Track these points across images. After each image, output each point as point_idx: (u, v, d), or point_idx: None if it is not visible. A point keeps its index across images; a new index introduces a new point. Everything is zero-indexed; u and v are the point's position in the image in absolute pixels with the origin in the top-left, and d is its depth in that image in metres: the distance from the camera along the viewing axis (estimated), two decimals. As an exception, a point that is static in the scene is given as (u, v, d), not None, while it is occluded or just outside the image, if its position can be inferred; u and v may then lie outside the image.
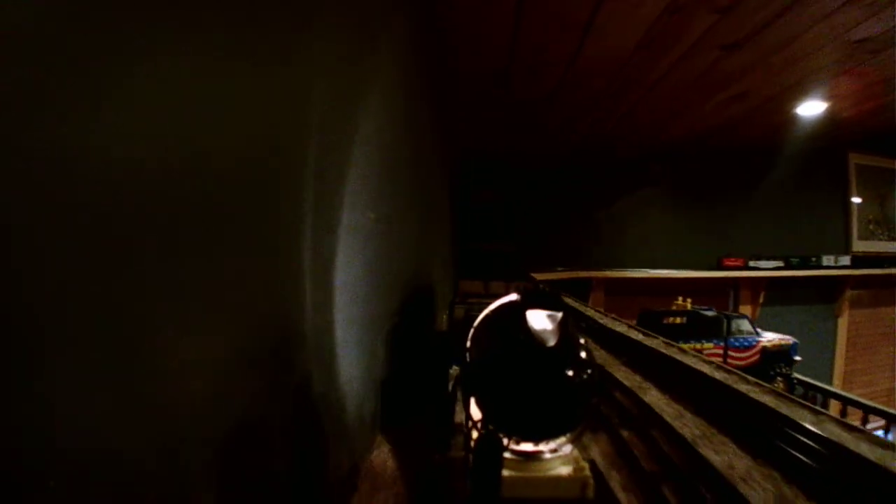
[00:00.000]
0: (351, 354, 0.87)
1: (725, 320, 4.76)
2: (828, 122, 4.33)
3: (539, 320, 0.85)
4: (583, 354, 0.85)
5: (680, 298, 5.05)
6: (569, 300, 1.79)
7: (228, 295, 0.51)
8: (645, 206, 6.39)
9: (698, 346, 4.68)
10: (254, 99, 0.56)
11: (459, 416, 0.93)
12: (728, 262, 5.84)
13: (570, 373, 0.82)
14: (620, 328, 1.80)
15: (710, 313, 4.83)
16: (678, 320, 4.86)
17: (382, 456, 0.89)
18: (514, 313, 0.87)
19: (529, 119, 3.90)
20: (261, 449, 0.59)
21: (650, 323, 4.58)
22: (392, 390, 1.10)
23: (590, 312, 2.27)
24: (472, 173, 5.89)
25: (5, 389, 0.28)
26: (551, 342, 0.83)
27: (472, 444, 0.80)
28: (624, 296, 5.54)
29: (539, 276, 4.02)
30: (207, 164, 0.48)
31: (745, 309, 5.59)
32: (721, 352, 4.78)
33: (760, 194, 6.00)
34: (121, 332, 0.37)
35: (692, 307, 4.88)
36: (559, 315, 0.86)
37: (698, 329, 4.78)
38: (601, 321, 1.97)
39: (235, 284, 0.52)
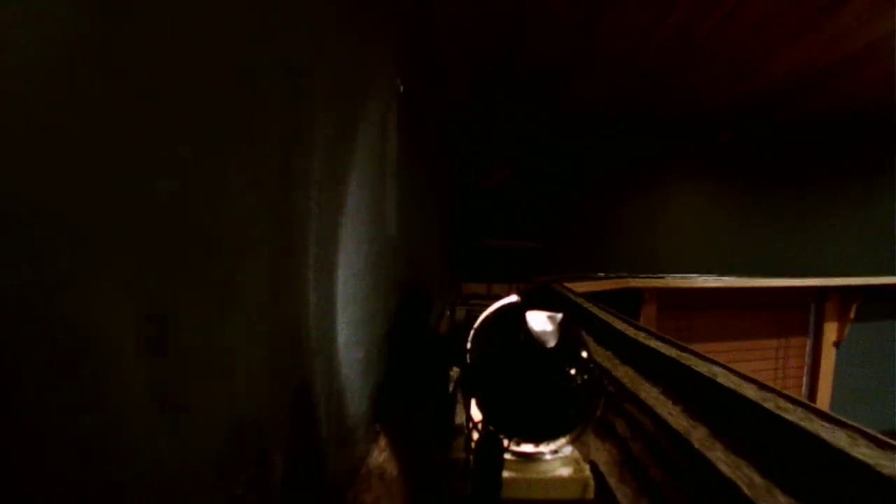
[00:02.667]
0: (350, 355, 0.87)
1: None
2: None
3: (539, 322, 0.85)
4: (583, 355, 0.86)
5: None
6: (617, 323, 1.44)
7: (227, 296, 0.51)
8: (700, 194, 4.87)
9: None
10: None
11: (460, 418, 0.93)
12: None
13: (571, 374, 0.82)
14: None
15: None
16: None
17: (382, 456, 0.89)
18: (515, 315, 0.87)
19: (569, 53, 2.55)
20: (261, 449, 0.59)
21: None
22: (391, 391, 1.10)
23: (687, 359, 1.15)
24: (478, 143, 4.46)
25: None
26: (551, 343, 0.83)
27: (473, 445, 0.80)
28: (679, 310, 4.17)
29: (576, 287, 2.81)
30: (200, 163, 0.47)
31: (830, 326, 4.33)
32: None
33: (863, 186, 4.43)
34: (121, 332, 0.37)
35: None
36: (559, 316, 0.86)
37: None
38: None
39: (234, 287, 0.52)
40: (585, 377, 0.83)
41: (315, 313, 0.69)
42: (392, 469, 0.84)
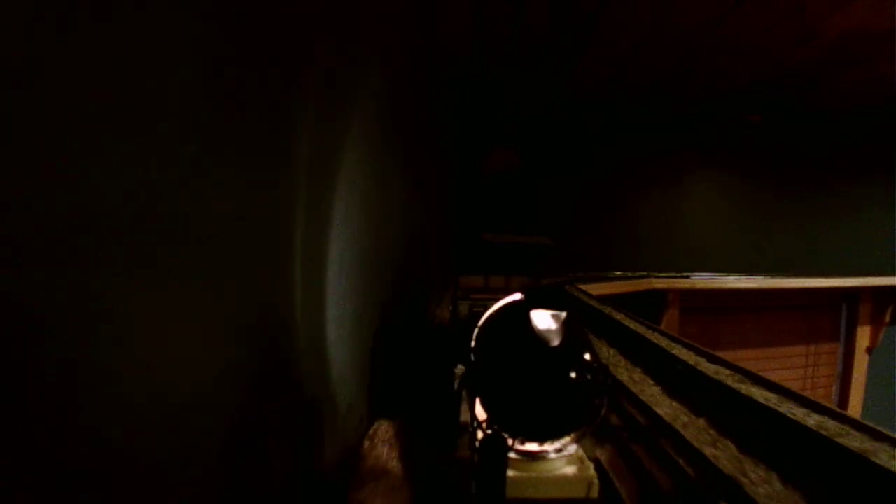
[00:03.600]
0: (344, 351, 0.88)
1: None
2: None
3: (543, 320, 0.85)
4: (587, 354, 0.85)
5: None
6: (644, 331, 1.33)
7: (219, 293, 0.52)
8: (723, 187, 4.48)
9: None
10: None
11: (465, 416, 0.93)
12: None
13: (575, 373, 0.82)
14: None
15: None
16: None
17: (382, 455, 0.90)
18: (519, 313, 0.87)
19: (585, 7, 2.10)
20: (256, 446, 0.60)
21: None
22: (387, 386, 1.10)
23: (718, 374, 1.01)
24: (479, 124, 3.92)
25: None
26: (555, 342, 0.83)
27: (477, 444, 0.80)
28: (702, 314, 3.75)
29: (592, 289, 2.53)
30: (200, 166, 0.49)
31: (864, 330, 3.95)
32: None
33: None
34: (118, 330, 0.39)
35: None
36: (563, 314, 0.86)
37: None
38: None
39: (226, 283, 0.53)
40: (590, 375, 0.83)
41: (303, 309, 0.70)
42: (393, 468, 0.85)
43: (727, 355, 1.13)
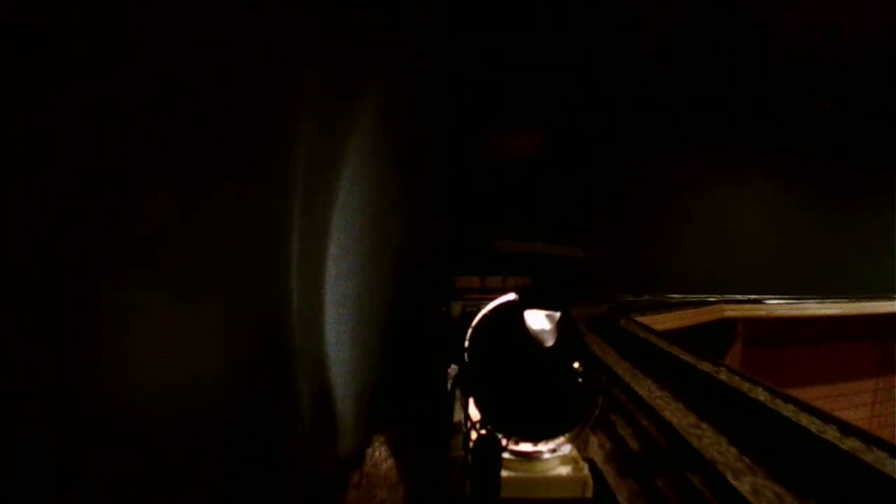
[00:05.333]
0: (344, 354, 0.87)
1: None
2: None
3: (537, 320, 0.84)
4: (582, 354, 0.85)
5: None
6: (729, 378, 1.11)
7: (222, 297, 0.51)
8: (791, 192, 3.64)
9: None
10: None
11: (458, 416, 0.93)
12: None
13: (569, 373, 0.82)
14: None
15: None
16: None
17: (380, 453, 0.89)
18: (512, 313, 0.87)
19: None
20: (260, 445, 0.59)
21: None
22: (387, 389, 1.10)
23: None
24: (491, 97, 2.85)
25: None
26: (549, 342, 0.82)
27: (471, 444, 0.79)
28: (762, 346, 3.13)
29: (650, 320, 2.10)
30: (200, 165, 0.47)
31: None
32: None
33: None
34: (125, 332, 0.38)
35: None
36: (558, 314, 0.85)
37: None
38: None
39: (228, 287, 0.52)
40: (584, 376, 0.83)
41: (299, 311, 0.69)
42: (388, 468, 0.84)
43: (796, 392, 1.07)
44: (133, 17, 0.38)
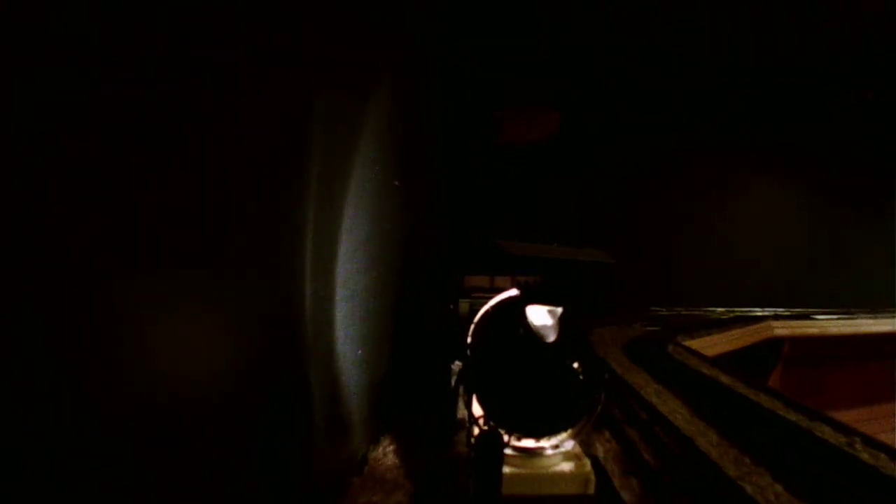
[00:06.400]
0: (352, 352, 0.88)
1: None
2: None
3: (539, 316, 0.85)
4: (584, 350, 0.85)
5: None
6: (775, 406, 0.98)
7: (233, 294, 0.52)
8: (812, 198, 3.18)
9: None
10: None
11: (462, 412, 0.93)
12: None
13: (571, 369, 0.82)
14: None
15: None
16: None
17: (385, 451, 0.90)
18: (514, 309, 0.87)
19: None
20: (267, 443, 0.60)
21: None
22: (394, 386, 1.10)
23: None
24: (498, 67, 2.51)
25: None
26: (551, 338, 0.83)
27: (474, 440, 0.80)
28: (801, 366, 2.75)
29: (700, 345, 1.85)
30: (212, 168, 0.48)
31: None
32: None
33: None
34: (132, 334, 0.38)
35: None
36: (559, 310, 0.86)
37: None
38: None
39: (239, 284, 0.53)
40: (586, 372, 0.83)
41: (311, 309, 0.70)
42: (393, 464, 0.85)
43: (838, 415, 0.91)
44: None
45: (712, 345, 2.01)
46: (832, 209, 3.40)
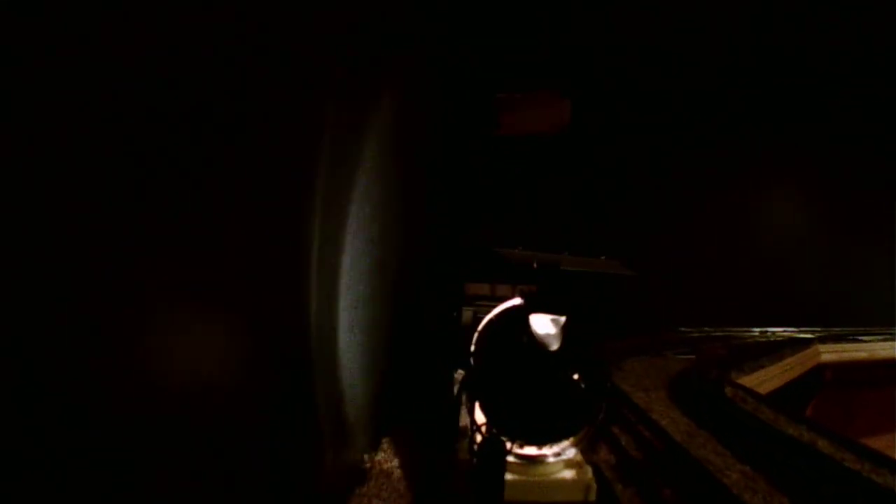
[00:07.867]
0: (354, 358, 0.88)
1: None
2: None
3: (542, 324, 0.85)
4: (587, 358, 0.85)
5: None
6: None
7: (237, 301, 0.52)
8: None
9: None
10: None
11: (465, 420, 0.93)
12: None
13: (574, 377, 0.82)
14: None
15: None
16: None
17: (387, 457, 0.90)
18: (518, 318, 0.87)
19: None
20: (269, 447, 0.60)
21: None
22: (395, 393, 1.10)
23: None
24: (500, 49, 2.23)
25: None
26: (554, 346, 0.83)
27: (476, 447, 0.80)
28: (834, 391, 2.55)
29: (752, 381, 1.65)
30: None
31: None
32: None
33: None
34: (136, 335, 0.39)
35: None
36: (563, 319, 0.86)
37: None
38: None
39: (243, 292, 0.53)
40: (589, 380, 0.83)
41: (315, 315, 0.70)
42: (395, 470, 0.85)
43: (874, 441, 0.80)
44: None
45: (768, 379, 1.81)
46: (849, 222, 3.17)
